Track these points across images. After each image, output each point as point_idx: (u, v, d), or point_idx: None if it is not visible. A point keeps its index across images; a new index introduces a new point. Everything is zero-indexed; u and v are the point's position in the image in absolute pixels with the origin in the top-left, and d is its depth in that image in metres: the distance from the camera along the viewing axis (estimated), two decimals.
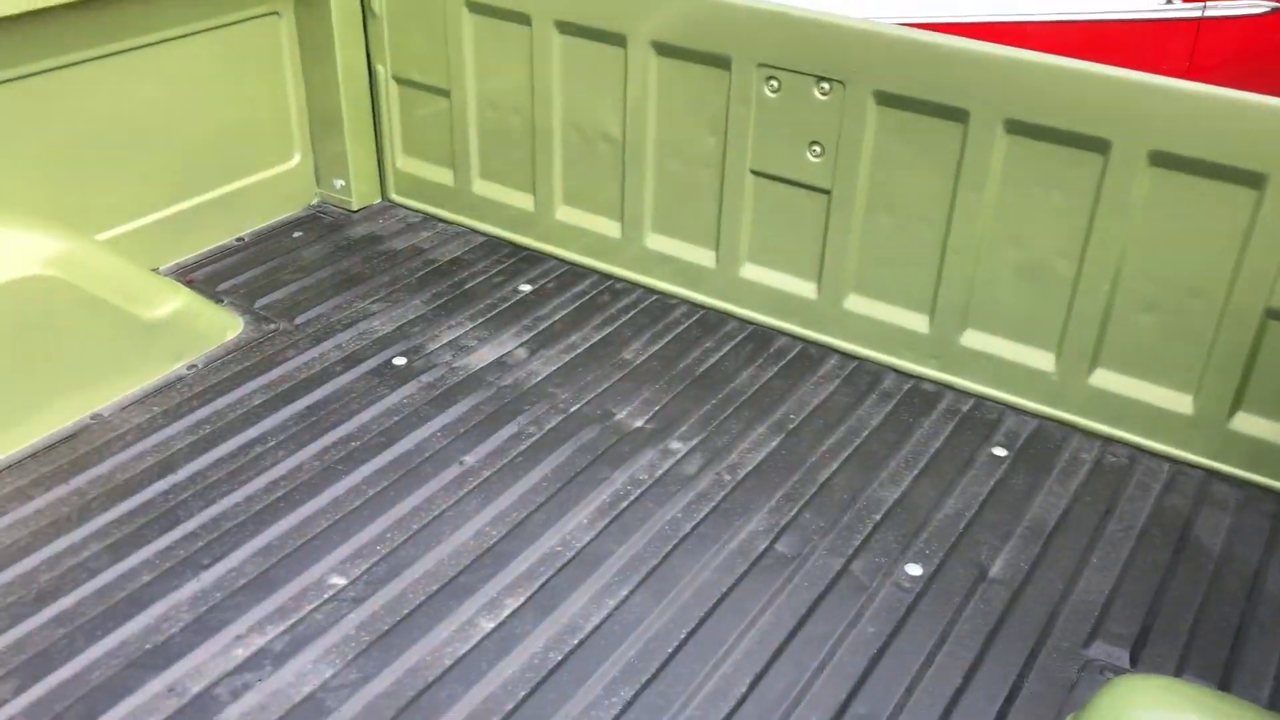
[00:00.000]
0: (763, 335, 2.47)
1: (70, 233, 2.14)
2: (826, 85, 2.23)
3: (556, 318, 2.50)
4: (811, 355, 2.40)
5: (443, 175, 2.87)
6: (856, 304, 2.38)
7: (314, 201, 2.98)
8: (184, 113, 2.59)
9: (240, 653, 1.65)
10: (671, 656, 1.67)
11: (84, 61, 2.36)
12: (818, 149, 2.29)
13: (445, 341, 2.40)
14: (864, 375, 2.34)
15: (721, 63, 2.33)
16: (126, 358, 2.19)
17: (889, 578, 1.82)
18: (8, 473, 1.99)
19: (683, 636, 1.70)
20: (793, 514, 1.95)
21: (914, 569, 1.84)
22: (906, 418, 2.22)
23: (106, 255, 2.20)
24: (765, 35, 2.25)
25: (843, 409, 2.23)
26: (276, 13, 2.72)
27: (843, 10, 2.27)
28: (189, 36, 2.55)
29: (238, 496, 1.94)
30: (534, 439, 2.11)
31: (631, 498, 1.98)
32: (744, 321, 2.51)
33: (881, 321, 2.35)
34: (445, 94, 2.76)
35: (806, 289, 2.43)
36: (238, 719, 1.54)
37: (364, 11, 2.78)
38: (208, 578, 1.78)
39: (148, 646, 1.65)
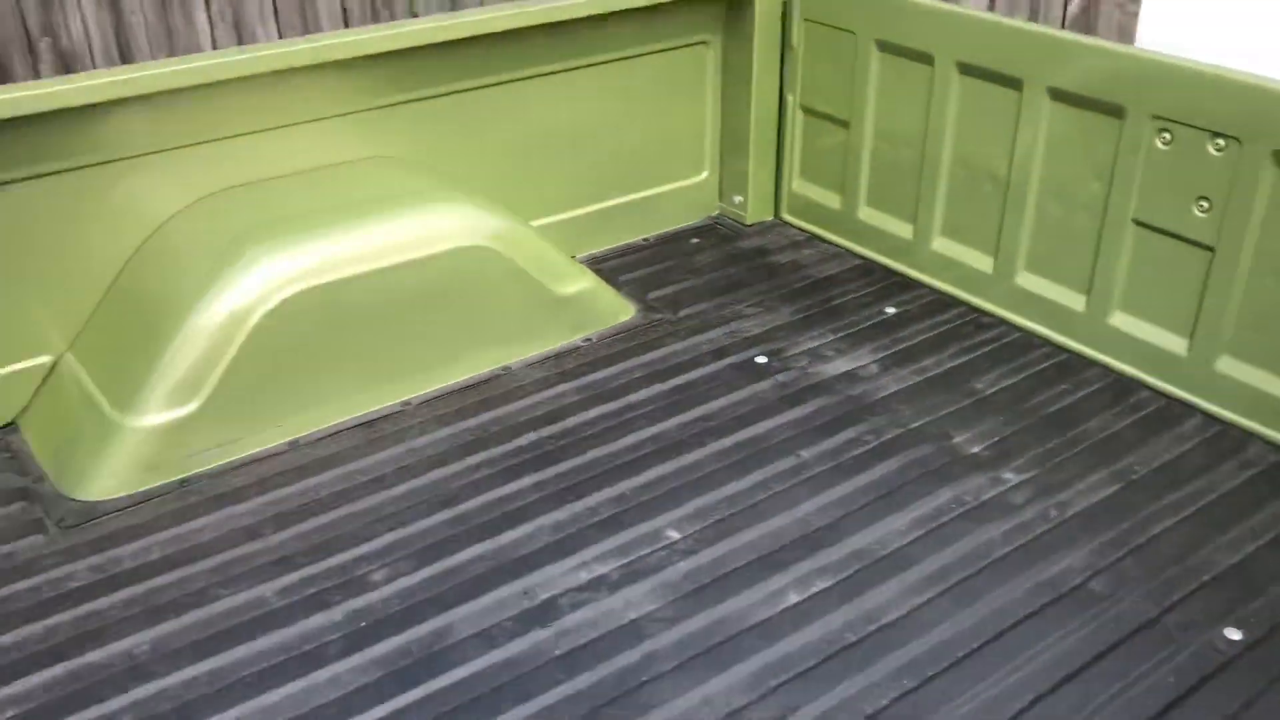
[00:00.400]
0: (1124, 386, 2.44)
1: (511, 215, 2.56)
2: (1222, 141, 2.19)
3: (915, 341, 2.62)
4: (1173, 413, 2.35)
5: (831, 199, 3.07)
6: (1230, 367, 2.30)
7: (714, 213, 3.29)
8: (615, 125, 2.98)
9: (584, 576, 1.94)
10: (960, 660, 1.76)
11: (544, 75, 2.80)
12: (1205, 204, 2.25)
13: (805, 349, 2.60)
14: (1226, 441, 2.26)
15: (1115, 112, 2.35)
16: (537, 324, 2.58)
17: (1203, 636, 1.79)
18: (435, 402, 2.43)
19: (975, 645, 1.78)
20: (1114, 558, 1.96)
21: (1234, 634, 1.79)
22: (1264, 489, 2.12)
23: (535, 237, 2.61)
24: (1164, 88, 2.25)
25: (1194, 469, 2.18)
26: (706, 42, 3.06)
27: (1250, 65, 2.22)
28: (629, 59, 2.93)
29: (605, 450, 2.25)
30: (869, 447, 2.26)
31: (953, 514, 2.07)
32: (1106, 369, 2.50)
33: (1256, 388, 2.26)
34: (845, 125, 2.96)
35: (1177, 345, 2.38)
36: (572, 626, 1.83)
37: (783, 45, 3.04)
38: (569, 511, 2.09)
39: (514, 555, 1.98)
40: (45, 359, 2.34)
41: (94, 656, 1.77)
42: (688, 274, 2.96)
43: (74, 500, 2.12)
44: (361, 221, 2.34)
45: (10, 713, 1.67)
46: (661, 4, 2.87)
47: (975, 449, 2.25)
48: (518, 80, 2.77)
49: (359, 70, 2.51)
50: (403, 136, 2.64)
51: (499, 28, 2.62)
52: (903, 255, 2.91)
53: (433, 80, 2.63)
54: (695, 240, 3.15)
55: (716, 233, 3.19)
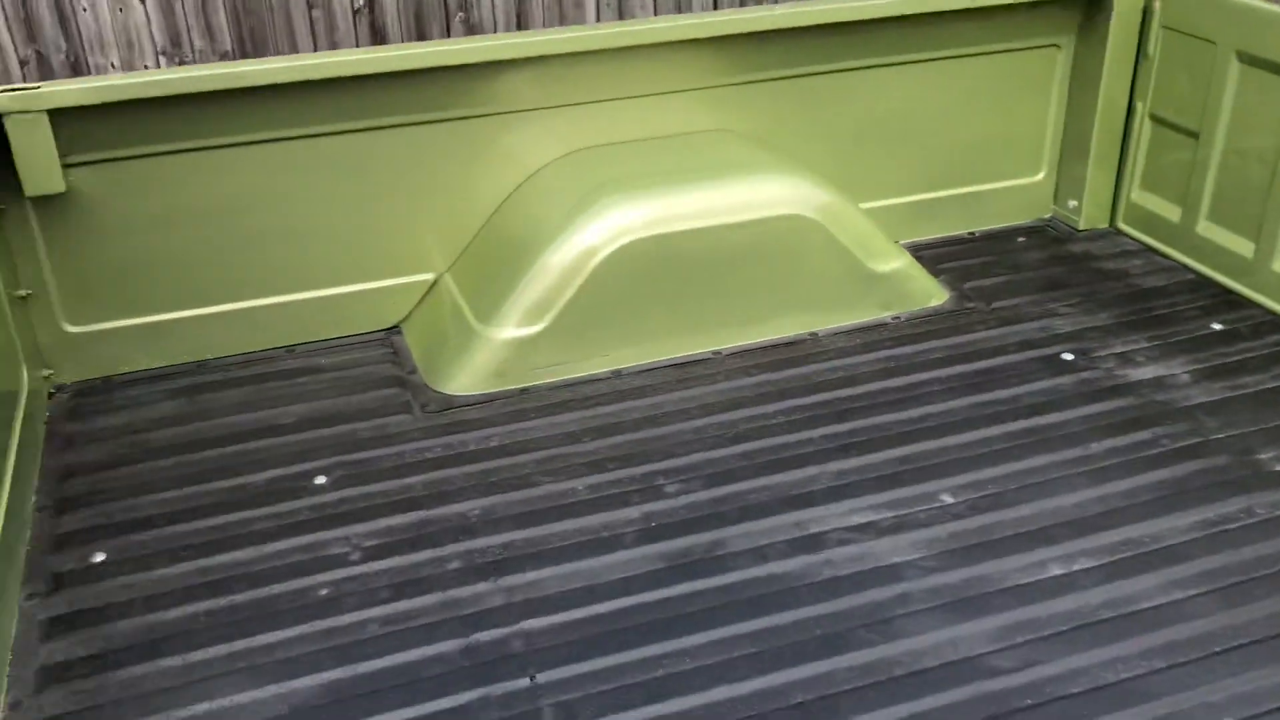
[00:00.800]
0: None
1: (838, 192, 2.74)
2: None
3: (1236, 358, 2.55)
4: None
5: (1171, 211, 3.00)
6: None
7: (1046, 216, 3.30)
8: (954, 119, 3.07)
9: (855, 519, 2.09)
10: (1217, 654, 1.76)
11: (890, 65, 2.95)
12: None
13: (1115, 351, 2.60)
14: None
15: None
16: (848, 296, 2.74)
17: None
18: (742, 355, 2.65)
19: (1236, 644, 1.78)
20: None
21: None
22: None
23: (858, 215, 2.77)
24: None
25: None
26: (1057, 45, 3.08)
27: None
28: (974, 57, 3.02)
29: (895, 416, 2.39)
30: (1164, 449, 2.25)
31: (1240, 523, 2.04)
32: None
33: None
34: (1194, 135, 2.89)
35: None
36: (837, 559, 1.99)
37: (1138, 52, 3.01)
38: (852, 463, 2.25)
39: (793, 493, 2.17)
40: (429, 276, 2.78)
41: (437, 511, 2.14)
42: (1008, 270, 3.01)
43: (437, 392, 2.52)
44: (700, 184, 2.61)
45: (370, 542, 2.06)
46: (1015, 4, 2.93)
47: None
48: (863, 68, 2.94)
49: (716, 50, 2.77)
50: (748, 113, 2.88)
51: (851, 17, 2.80)
52: (1239, 273, 2.82)
53: (781, 63, 2.85)
54: (1022, 239, 3.18)
55: (1046, 235, 3.21)
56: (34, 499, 2.19)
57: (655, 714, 1.70)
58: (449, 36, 4.15)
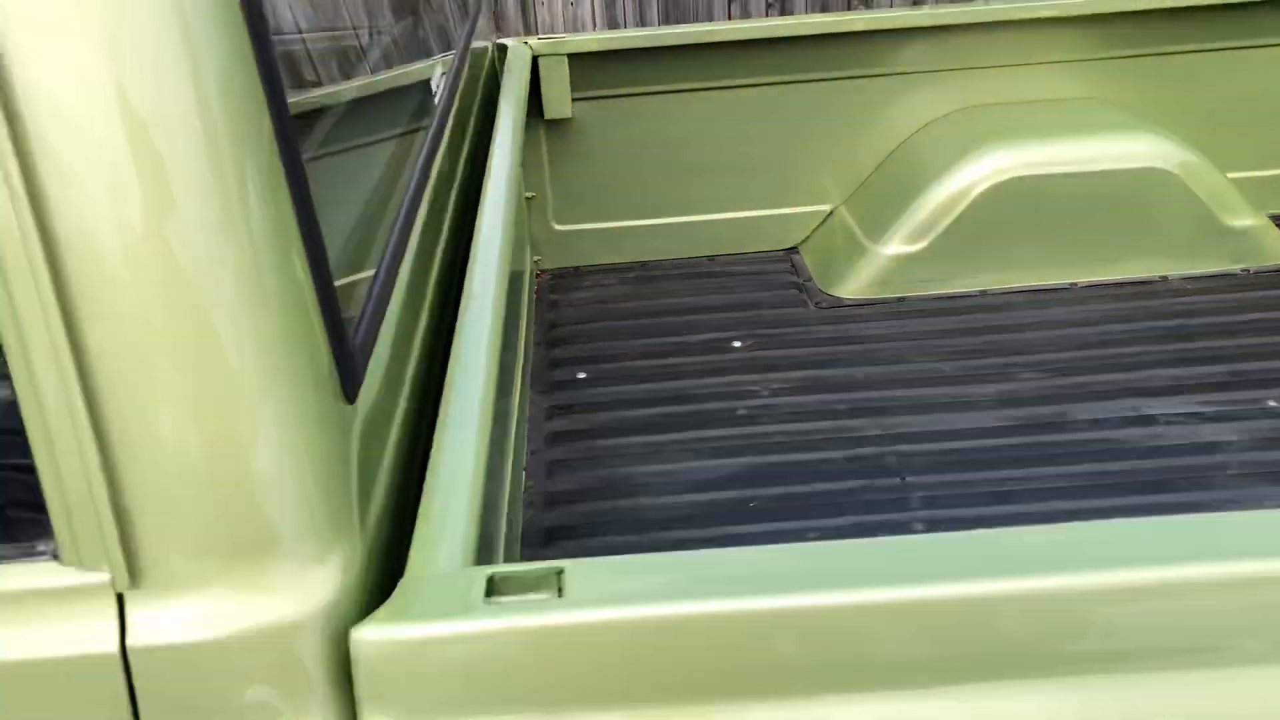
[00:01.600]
0: None
1: (1198, 153, 3.06)
2: None
3: None
4: None
5: None
6: None
7: None
8: None
9: (1183, 409, 2.47)
10: None
11: (1259, 47, 3.22)
12: None
13: None
14: None
15: None
16: (1200, 246, 3.06)
17: None
18: (1096, 289, 3.03)
19: None
20: None
21: None
22: None
23: (1216, 174, 3.07)
24: None
25: None
26: None
27: None
28: None
29: (1234, 341, 2.71)
30: None
31: None
32: None
33: None
34: None
35: None
36: (1164, 433, 2.38)
37: None
38: (1188, 371, 2.60)
39: (1131, 386, 2.56)
40: (825, 207, 3.37)
41: (827, 372, 2.72)
42: None
43: (828, 295, 3.11)
44: (1070, 136, 3.04)
45: (776, 385, 2.68)
46: None
47: None
48: (1237, 49, 3.23)
49: (1095, 26, 3.18)
50: (1119, 86, 3.25)
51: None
52: None
53: (1156, 40, 3.20)
54: None
55: None
56: (532, 338, 2.98)
57: (999, 513, 2.19)
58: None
